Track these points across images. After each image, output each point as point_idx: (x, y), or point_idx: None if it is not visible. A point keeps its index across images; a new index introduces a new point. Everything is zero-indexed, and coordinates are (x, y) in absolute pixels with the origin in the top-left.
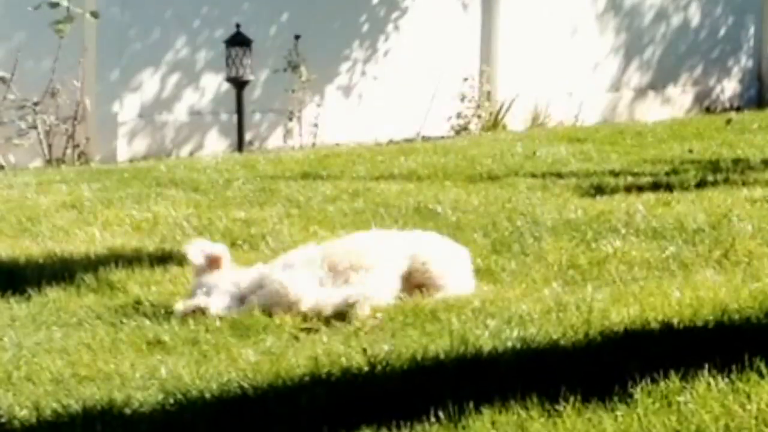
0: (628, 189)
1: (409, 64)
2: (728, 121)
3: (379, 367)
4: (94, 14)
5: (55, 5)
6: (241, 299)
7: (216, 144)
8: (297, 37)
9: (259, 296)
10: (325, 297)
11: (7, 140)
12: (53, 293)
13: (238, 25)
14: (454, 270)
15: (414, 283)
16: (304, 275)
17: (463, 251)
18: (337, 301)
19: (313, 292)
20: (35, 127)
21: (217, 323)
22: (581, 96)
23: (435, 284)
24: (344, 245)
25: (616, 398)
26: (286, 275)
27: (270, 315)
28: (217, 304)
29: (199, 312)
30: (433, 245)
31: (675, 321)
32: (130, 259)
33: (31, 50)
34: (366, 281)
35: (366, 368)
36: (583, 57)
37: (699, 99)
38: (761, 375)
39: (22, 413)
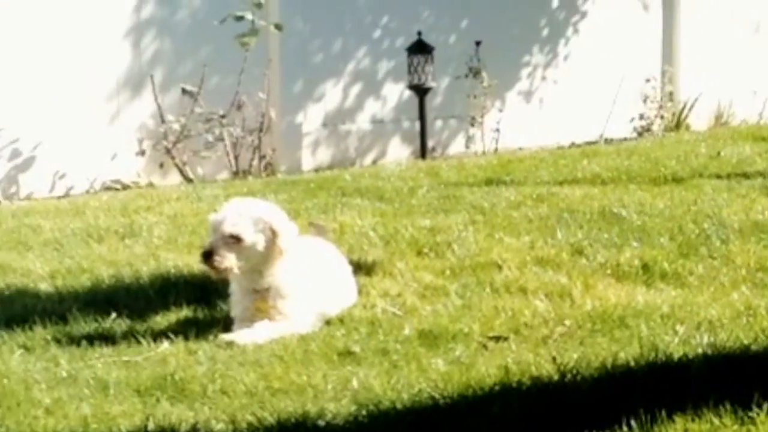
0: None
1: (590, 67)
2: None
3: (569, 376)
4: (278, 27)
5: (240, 19)
6: None
7: (398, 151)
8: (478, 43)
9: None
10: None
11: (195, 153)
12: None
13: (419, 33)
14: None
15: None
16: None
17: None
18: None
19: None
20: (222, 140)
21: (406, 332)
22: (765, 93)
23: None
24: None
25: None
26: None
27: None
28: None
29: None
30: None
31: None
32: None
33: (218, 64)
34: None
35: (556, 377)
36: (767, 54)
37: None
38: None
39: (219, 426)
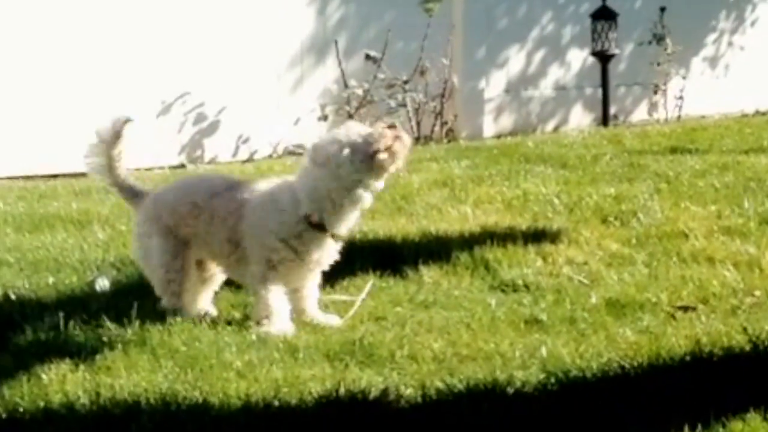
0: None
1: None
2: None
3: (761, 347)
4: None
5: None
6: None
7: (580, 118)
8: (662, 8)
9: None
10: None
11: (378, 118)
12: (430, 272)
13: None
14: None
15: None
16: None
17: None
18: None
19: None
20: (404, 105)
21: (593, 300)
22: None
23: None
24: None
25: None
26: None
27: None
28: None
29: None
30: None
31: None
32: (503, 237)
33: (401, 29)
34: None
35: (748, 348)
36: None
37: None
38: None
39: (408, 392)
